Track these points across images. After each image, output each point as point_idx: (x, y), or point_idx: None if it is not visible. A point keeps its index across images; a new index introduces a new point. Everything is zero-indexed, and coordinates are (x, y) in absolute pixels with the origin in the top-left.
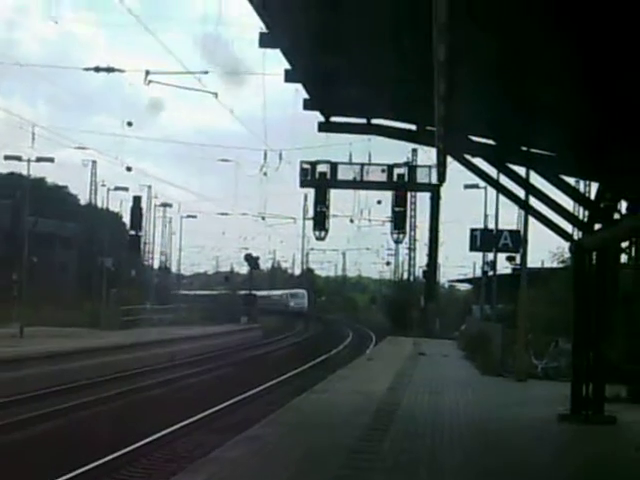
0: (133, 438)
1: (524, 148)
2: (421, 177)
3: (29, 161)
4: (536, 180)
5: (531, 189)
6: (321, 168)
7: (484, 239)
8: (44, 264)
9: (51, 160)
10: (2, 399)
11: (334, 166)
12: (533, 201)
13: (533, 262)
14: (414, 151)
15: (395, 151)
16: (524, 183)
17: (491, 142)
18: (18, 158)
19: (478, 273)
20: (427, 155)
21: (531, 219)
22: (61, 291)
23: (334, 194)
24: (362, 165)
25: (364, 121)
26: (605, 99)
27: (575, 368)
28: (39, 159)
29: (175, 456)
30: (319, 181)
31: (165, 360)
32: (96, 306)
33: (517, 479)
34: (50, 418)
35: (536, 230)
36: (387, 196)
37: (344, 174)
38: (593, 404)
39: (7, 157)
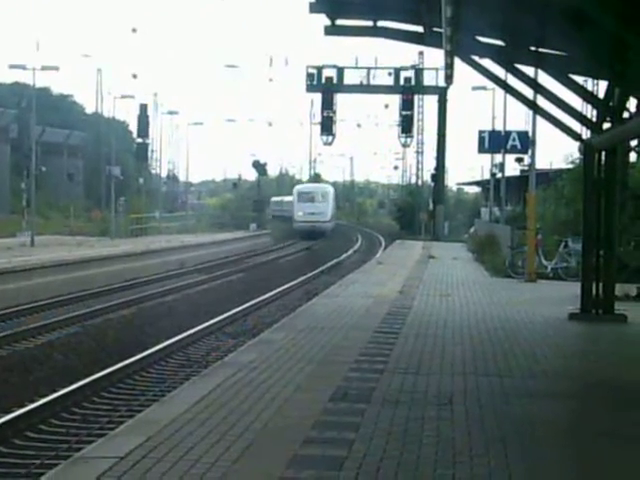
0: (147, 344)
1: (533, 48)
2: (428, 80)
3: (34, 70)
4: (544, 81)
5: (540, 89)
6: (327, 72)
7: (492, 140)
8: (52, 173)
9: (56, 68)
10: (17, 307)
11: (340, 70)
12: (542, 102)
13: (542, 164)
14: (420, 54)
15: (402, 55)
16: (533, 83)
17: (499, 43)
18: (23, 67)
19: (486, 176)
20: (434, 59)
21: (540, 121)
22: (70, 200)
23: (341, 98)
24: (369, 69)
25: (370, 24)
26: None
27: (585, 267)
28: (44, 67)
29: (189, 361)
30: (325, 85)
31: (175, 267)
32: (105, 215)
33: (523, 371)
34: (63, 326)
35: (545, 132)
36: (394, 100)
37: (351, 78)
38: (603, 303)
39: (12, 66)
